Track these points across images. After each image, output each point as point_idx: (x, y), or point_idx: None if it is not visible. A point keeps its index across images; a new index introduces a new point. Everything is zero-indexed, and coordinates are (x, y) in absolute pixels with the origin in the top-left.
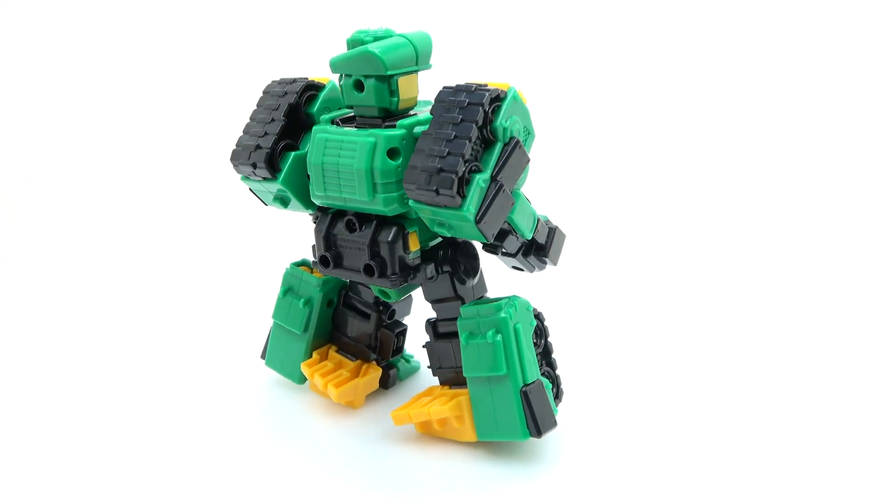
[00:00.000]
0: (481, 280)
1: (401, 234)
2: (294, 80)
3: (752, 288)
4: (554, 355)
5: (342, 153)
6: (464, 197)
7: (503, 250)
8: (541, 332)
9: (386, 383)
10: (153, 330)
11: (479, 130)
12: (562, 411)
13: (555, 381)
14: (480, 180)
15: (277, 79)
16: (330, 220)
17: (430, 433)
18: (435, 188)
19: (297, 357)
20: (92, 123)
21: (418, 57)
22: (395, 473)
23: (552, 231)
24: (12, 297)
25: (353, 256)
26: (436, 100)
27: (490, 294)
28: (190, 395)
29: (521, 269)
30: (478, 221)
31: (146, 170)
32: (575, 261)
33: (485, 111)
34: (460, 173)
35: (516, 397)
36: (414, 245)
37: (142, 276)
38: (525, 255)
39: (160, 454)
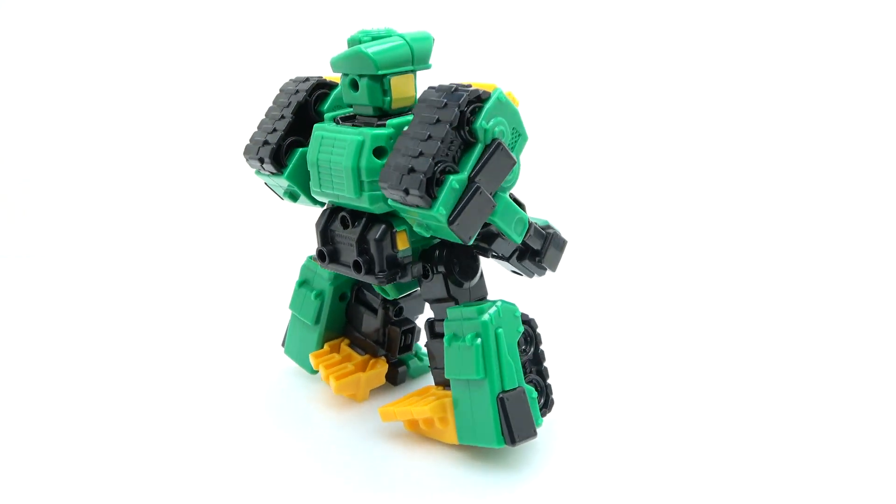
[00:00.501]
0: (480, 283)
1: (388, 232)
2: (307, 79)
3: (754, 296)
4: (546, 364)
5: (334, 150)
6: (434, 198)
7: (493, 253)
8: (531, 339)
9: (395, 380)
10: (163, 325)
11: (457, 131)
12: (555, 420)
13: (543, 391)
14: (454, 181)
15: (294, 77)
16: (328, 216)
17: (418, 432)
18: (405, 188)
19: (309, 347)
20: (92, 123)
21: (414, 57)
22: (377, 470)
23: (549, 236)
24: (12, 297)
25: (347, 252)
26: (419, 99)
27: (493, 298)
28: (207, 382)
29: (520, 274)
30: (450, 223)
31: (148, 168)
32: (579, 268)
33: (461, 112)
34: (429, 174)
35: (493, 403)
36: (402, 244)
37: (148, 274)
38: (520, 259)
39: (163, 445)
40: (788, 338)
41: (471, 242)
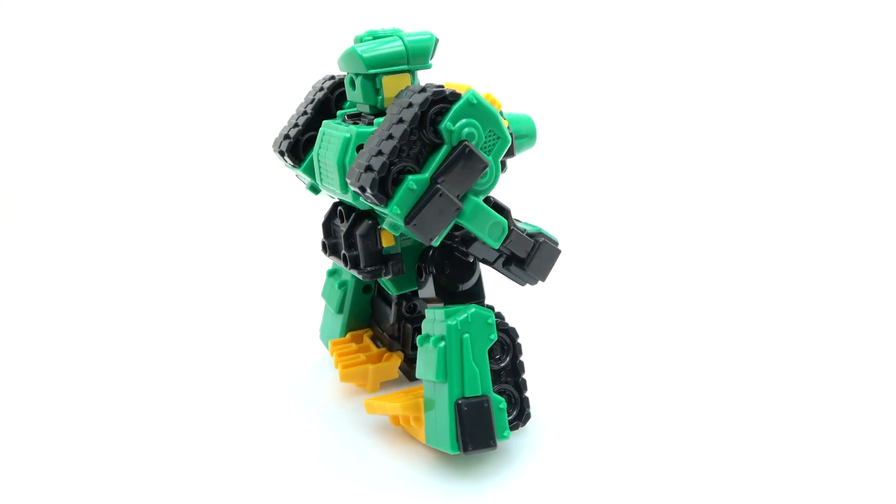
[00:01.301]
0: (477, 287)
1: (374, 228)
2: (332, 77)
3: (753, 305)
4: (525, 376)
5: (328, 146)
6: (390, 197)
7: (473, 256)
8: (508, 349)
9: (409, 375)
10: (172, 320)
11: (419, 131)
12: (543, 429)
13: (518, 403)
14: (411, 181)
15: (325, 74)
16: (331, 210)
17: (402, 427)
18: (361, 185)
19: (334, 335)
20: (92, 123)
21: (410, 57)
22: (351, 461)
23: (537, 244)
24: (12, 297)
25: (342, 246)
26: (394, 98)
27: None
28: (231, 368)
29: (513, 281)
30: (407, 222)
31: (147, 168)
32: (581, 275)
33: (421, 112)
34: (382, 173)
35: (450, 408)
36: (387, 241)
37: (155, 273)
38: (505, 265)
39: (163, 436)
40: (786, 352)
41: (436, 243)
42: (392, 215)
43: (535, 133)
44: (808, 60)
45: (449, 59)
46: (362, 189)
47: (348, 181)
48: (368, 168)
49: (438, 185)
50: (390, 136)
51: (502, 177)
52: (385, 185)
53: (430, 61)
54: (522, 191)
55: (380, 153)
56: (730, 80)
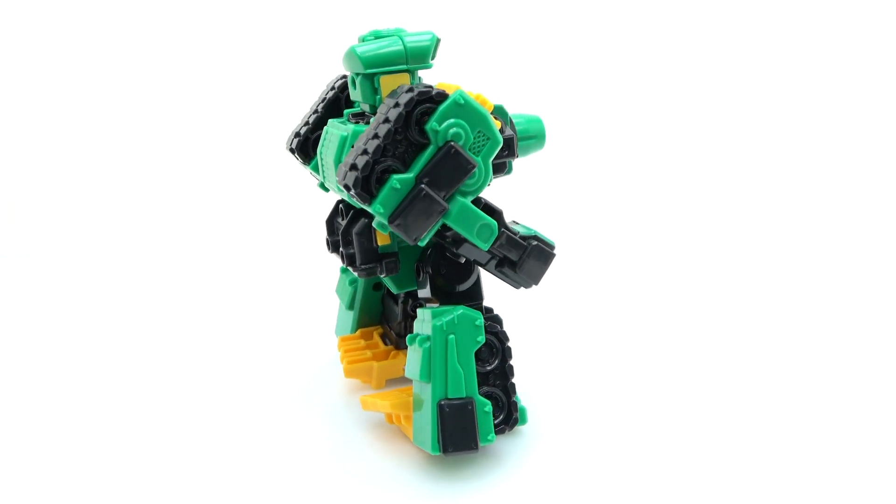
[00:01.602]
0: (475, 288)
1: (369, 226)
2: (344, 76)
3: (747, 307)
4: (514, 380)
5: (329, 145)
6: (374, 196)
7: (464, 257)
8: (496, 352)
9: None
10: (176, 320)
11: (405, 131)
12: (538, 433)
13: (505, 407)
14: (395, 181)
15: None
16: (334, 207)
17: (397, 425)
18: (345, 184)
19: (345, 331)
20: (92, 123)
21: (409, 57)
22: (346, 458)
23: (529, 247)
24: (12, 297)
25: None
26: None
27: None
28: (243, 364)
29: (508, 284)
30: (391, 222)
31: (149, 167)
32: (582, 279)
33: (406, 112)
34: (365, 172)
35: (433, 408)
36: (382, 240)
37: (158, 273)
38: (498, 267)
39: (162, 431)
40: (780, 358)
41: (422, 243)
42: (375, 214)
43: (543, 134)
44: (808, 66)
45: (454, 59)
46: (347, 187)
47: (337, 179)
48: (353, 167)
49: (422, 186)
50: (376, 136)
51: (505, 178)
52: (368, 184)
53: (432, 61)
54: (524, 192)
55: (365, 152)
56: (732, 84)
